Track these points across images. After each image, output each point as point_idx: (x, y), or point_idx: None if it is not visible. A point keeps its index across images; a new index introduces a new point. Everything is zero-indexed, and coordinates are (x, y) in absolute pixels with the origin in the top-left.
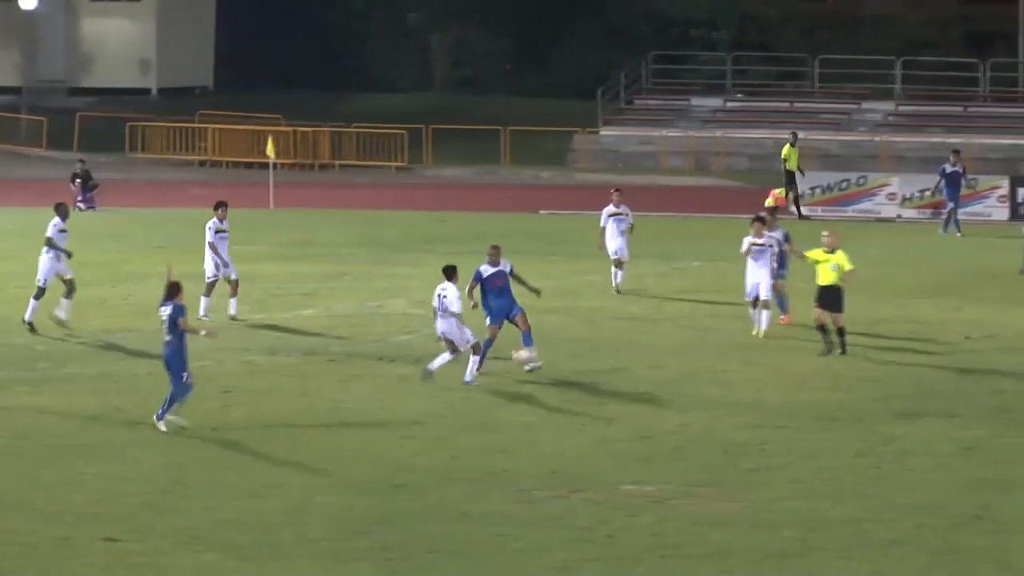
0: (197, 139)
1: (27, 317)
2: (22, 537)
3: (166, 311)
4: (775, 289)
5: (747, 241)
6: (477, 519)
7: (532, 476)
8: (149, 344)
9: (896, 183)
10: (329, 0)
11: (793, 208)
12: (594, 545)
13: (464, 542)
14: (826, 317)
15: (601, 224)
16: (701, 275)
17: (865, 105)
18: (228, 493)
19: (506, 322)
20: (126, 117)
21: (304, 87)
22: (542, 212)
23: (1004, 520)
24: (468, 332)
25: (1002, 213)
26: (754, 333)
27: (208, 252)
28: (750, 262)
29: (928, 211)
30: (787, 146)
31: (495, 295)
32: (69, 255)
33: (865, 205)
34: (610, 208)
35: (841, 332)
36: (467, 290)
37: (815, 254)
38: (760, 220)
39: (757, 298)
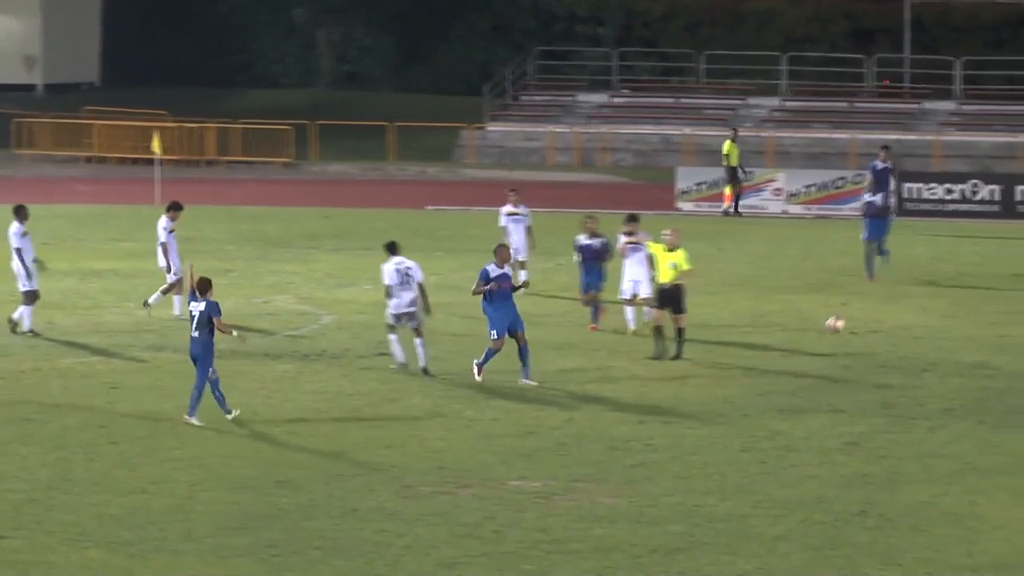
0: (83, 135)
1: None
2: None
3: (198, 307)
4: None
5: (622, 239)
6: (363, 515)
7: (418, 472)
8: (34, 340)
9: (782, 178)
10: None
11: (732, 206)
12: (480, 541)
13: (350, 538)
14: (665, 318)
15: (501, 224)
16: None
17: (751, 101)
18: (114, 489)
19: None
20: (11, 113)
21: (190, 83)
22: (428, 208)
23: (888, 515)
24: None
25: None
26: (631, 331)
27: (161, 251)
28: (627, 261)
29: (814, 206)
30: (727, 142)
31: (500, 300)
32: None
33: (751, 201)
34: (508, 208)
35: (680, 334)
36: (473, 290)
37: (655, 250)
38: (633, 219)
39: (635, 295)
